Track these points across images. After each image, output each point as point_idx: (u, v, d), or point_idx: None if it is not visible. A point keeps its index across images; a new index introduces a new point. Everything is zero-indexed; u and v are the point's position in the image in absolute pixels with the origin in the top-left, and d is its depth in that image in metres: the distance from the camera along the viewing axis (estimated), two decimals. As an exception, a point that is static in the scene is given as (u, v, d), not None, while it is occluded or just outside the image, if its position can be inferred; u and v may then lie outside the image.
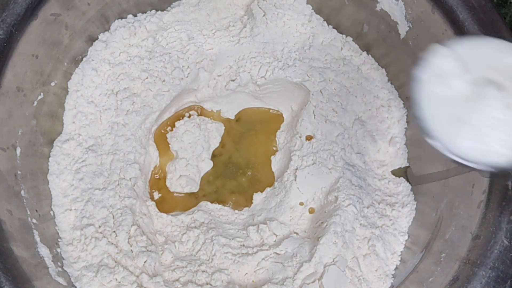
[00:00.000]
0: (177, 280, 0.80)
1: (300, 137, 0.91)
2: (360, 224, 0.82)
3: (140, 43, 0.94)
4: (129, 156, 0.88)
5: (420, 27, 0.84)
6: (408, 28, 0.86)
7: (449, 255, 0.73)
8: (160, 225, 0.87)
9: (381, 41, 0.92)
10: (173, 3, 0.96)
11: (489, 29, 0.73)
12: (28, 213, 0.78)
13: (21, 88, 0.80)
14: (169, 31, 0.94)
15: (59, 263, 0.78)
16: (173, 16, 0.95)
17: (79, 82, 0.90)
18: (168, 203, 0.92)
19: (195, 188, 0.93)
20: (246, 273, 0.81)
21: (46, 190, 0.84)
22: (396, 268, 0.82)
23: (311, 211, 0.87)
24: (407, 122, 0.92)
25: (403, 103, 0.92)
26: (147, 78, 0.92)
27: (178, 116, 0.97)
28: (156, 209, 0.88)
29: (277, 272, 0.80)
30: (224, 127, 0.97)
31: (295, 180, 0.87)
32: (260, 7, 0.94)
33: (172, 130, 0.96)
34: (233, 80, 0.95)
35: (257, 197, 0.91)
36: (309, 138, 0.91)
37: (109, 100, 0.90)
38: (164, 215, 0.88)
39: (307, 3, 0.96)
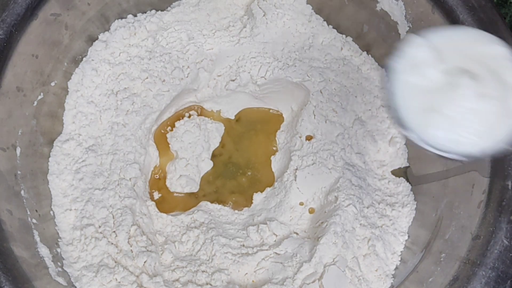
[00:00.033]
0: (177, 280, 0.80)
1: (300, 137, 0.91)
2: (360, 224, 0.82)
3: (140, 43, 0.94)
4: (129, 156, 0.88)
5: (420, 27, 0.83)
6: (408, 28, 0.86)
7: (449, 255, 0.73)
8: (160, 225, 0.87)
9: (381, 41, 0.92)
10: (173, 3, 0.96)
11: (489, 29, 0.73)
12: (28, 213, 0.78)
13: (21, 88, 0.80)
14: (169, 31, 0.94)
15: (59, 263, 0.78)
16: (173, 16, 0.95)
17: (79, 82, 0.90)
18: (168, 203, 0.92)
19: (195, 188, 0.93)
20: (246, 273, 0.81)
21: (46, 190, 0.84)
22: (396, 268, 0.82)
23: (311, 211, 0.87)
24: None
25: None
26: (147, 78, 0.92)
27: (178, 116, 0.97)
28: (156, 209, 0.88)
29: (277, 272, 0.80)
30: (224, 127, 0.97)
31: (295, 180, 0.87)
32: (260, 7, 0.94)
33: (172, 130, 0.96)
34: (233, 80, 0.95)
35: (257, 197, 0.91)
36: (309, 138, 0.91)
37: (109, 100, 0.90)
38: (164, 215, 0.88)
39: (307, 3, 0.96)
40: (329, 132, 0.90)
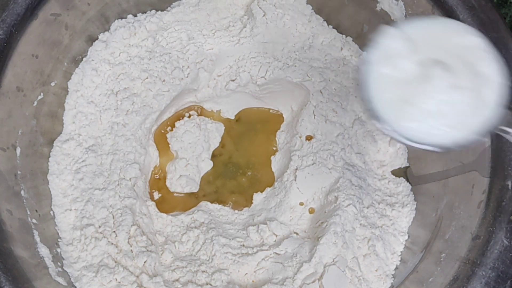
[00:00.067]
0: (177, 280, 0.80)
1: (300, 137, 0.91)
2: (360, 224, 0.82)
3: (140, 43, 0.94)
4: (129, 156, 0.88)
5: (420, 27, 0.83)
6: (408, 28, 0.85)
7: (449, 255, 0.73)
8: (160, 225, 0.87)
9: (381, 41, 0.92)
10: (173, 3, 0.96)
11: (489, 29, 0.73)
12: (28, 213, 0.78)
13: (21, 88, 0.80)
14: (169, 31, 0.94)
15: (59, 263, 0.78)
16: (173, 16, 0.95)
17: (79, 82, 0.90)
18: (168, 203, 0.92)
19: (195, 188, 0.93)
20: (246, 273, 0.81)
21: (46, 190, 0.84)
22: (396, 268, 0.82)
23: (311, 211, 0.87)
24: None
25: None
26: (147, 78, 0.92)
27: (178, 116, 0.97)
28: (156, 209, 0.88)
29: (277, 272, 0.80)
30: (224, 127, 0.97)
31: (295, 180, 0.87)
32: (260, 7, 0.94)
33: (172, 130, 0.96)
34: (233, 80, 0.95)
35: (257, 197, 0.91)
36: (309, 138, 0.91)
37: (109, 100, 0.90)
38: (164, 215, 0.88)
39: (307, 3, 0.96)
40: (329, 132, 0.90)
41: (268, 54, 0.95)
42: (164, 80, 0.92)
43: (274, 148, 0.96)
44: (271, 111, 0.99)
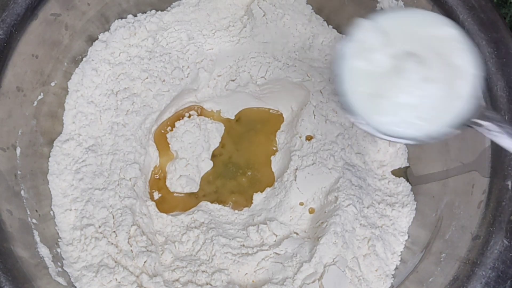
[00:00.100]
0: (177, 280, 0.80)
1: (300, 137, 0.91)
2: (360, 224, 0.82)
3: (140, 43, 0.94)
4: (129, 156, 0.88)
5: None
6: (408, 28, 0.85)
7: (449, 255, 0.73)
8: (160, 225, 0.87)
9: (381, 41, 0.92)
10: (173, 3, 0.96)
11: (489, 29, 0.73)
12: (28, 213, 0.78)
13: (21, 88, 0.80)
14: (169, 31, 0.94)
15: (59, 263, 0.78)
16: (173, 16, 0.95)
17: (79, 82, 0.90)
18: (168, 203, 0.92)
19: (195, 188, 0.93)
20: (246, 273, 0.81)
21: (46, 190, 0.84)
22: (396, 268, 0.82)
23: (311, 211, 0.87)
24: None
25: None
26: (147, 78, 0.92)
27: (178, 116, 0.97)
28: (156, 209, 0.88)
29: (277, 272, 0.80)
30: (224, 127, 0.97)
31: (295, 180, 0.87)
32: (260, 7, 0.94)
33: (172, 130, 0.96)
34: (233, 80, 0.95)
35: (257, 197, 0.91)
36: (309, 138, 0.91)
37: (109, 100, 0.90)
38: (164, 215, 0.88)
39: (307, 3, 0.96)
40: (329, 132, 0.90)
41: (268, 54, 0.95)
42: (164, 80, 0.92)
43: (274, 148, 0.96)
44: (271, 111, 0.99)
